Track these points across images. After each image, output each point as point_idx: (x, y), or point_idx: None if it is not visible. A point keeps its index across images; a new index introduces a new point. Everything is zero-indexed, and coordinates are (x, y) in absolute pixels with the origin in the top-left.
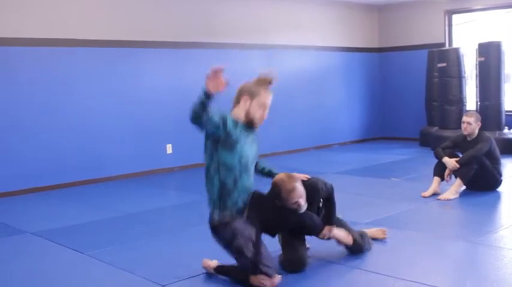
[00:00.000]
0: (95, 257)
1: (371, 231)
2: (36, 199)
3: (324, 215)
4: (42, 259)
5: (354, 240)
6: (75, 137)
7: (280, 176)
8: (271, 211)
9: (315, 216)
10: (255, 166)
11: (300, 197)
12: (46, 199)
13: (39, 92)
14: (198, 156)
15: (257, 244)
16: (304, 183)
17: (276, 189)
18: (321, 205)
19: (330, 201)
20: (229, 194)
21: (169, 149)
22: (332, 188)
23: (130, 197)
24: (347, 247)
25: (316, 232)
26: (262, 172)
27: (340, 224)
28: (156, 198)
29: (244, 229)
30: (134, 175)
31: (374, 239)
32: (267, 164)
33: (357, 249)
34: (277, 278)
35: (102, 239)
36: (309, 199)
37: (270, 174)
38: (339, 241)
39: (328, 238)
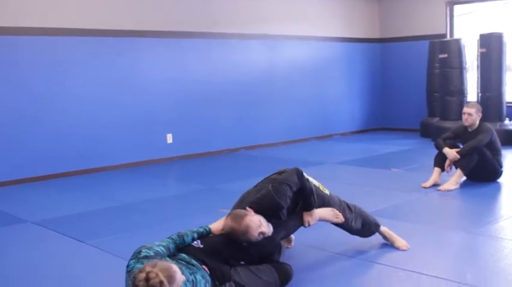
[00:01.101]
0: (96, 246)
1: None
2: (37, 188)
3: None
4: (42, 247)
5: (347, 218)
6: (75, 127)
7: (227, 223)
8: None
9: (287, 224)
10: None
11: (259, 227)
12: (46, 188)
13: (38, 82)
14: (198, 146)
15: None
16: (259, 201)
17: (233, 236)
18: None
19: (301, 186)
20: None
21: (169, 139)
22: (294, 176)
23: (130, 186)
24: (348, 228)
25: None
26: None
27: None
28: (156, 188)
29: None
30: (134, 165)
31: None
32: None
33: (355, 230)
34: None
35: (103, 228)
36: (272, 213)
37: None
38: (330, 222)
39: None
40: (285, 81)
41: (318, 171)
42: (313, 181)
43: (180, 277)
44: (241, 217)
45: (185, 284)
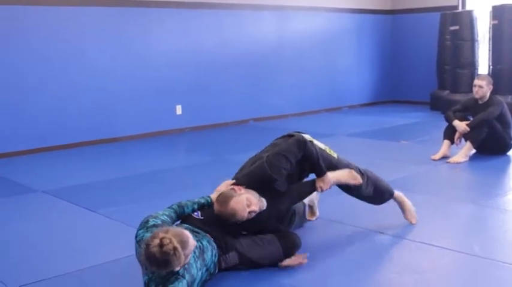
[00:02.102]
0: (107, 215)
1: None
2: (48, 158)
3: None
4: (54, 216)
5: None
6: (85, 97)
7: (215, 207)
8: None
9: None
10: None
11: (248, 207)
12: (57, 158)
13: (49, 52)
14: (208, 117)
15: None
16: (251, 173)
17: (224, 219)
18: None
19: (305, 155)
20: None
21: (178, 110)
22: (293, 147)
23: (140, 157)
24: (358, 194)
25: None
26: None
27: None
28: (166, 158)
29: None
30: (144, 136)
31: None
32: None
33: (365, 196)
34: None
35: (113, 198)
36: (264, 186)
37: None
38: (346, 184)
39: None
40: (295, 52)
41: (327, 143)
42: (319, 144)
43: (192, 242)
44: (226, 201)
45: (193, 252)
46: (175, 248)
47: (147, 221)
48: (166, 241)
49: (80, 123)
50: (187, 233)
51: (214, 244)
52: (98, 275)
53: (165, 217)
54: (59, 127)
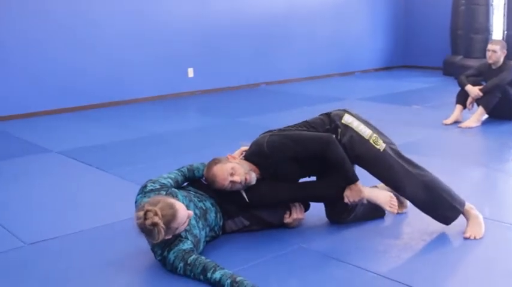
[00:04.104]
0: (118, 175)
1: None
2: (62, 120)
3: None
4: (67, 176)
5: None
6: (98, 61)
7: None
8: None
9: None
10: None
11: (230, 176)
12: (71, 120)
13: (62, 16)
14: (219, 80)
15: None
16: (251, 145)
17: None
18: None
19: (326, 158)
20: None
21: (190, 72)
22: (314, 145)
23: (152, 119)
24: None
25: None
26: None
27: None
28: (178, 120)
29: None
30: (156, 98)
31: None
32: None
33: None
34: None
35: (126, 158)
36: (258, 161)
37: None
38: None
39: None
40: (308, 16)
41: (338, 107)
42: (363, 132)
43: (183, 213)
44: (211, 166)
45: (195, 213)
46: (154, 224)
47: (145, 186)
48: (149, 215)
49: (94, 86)
50: (178, 204)
51: (218, 208)
52: (111, 233)
53: (168, 180)
54: (73, 90)
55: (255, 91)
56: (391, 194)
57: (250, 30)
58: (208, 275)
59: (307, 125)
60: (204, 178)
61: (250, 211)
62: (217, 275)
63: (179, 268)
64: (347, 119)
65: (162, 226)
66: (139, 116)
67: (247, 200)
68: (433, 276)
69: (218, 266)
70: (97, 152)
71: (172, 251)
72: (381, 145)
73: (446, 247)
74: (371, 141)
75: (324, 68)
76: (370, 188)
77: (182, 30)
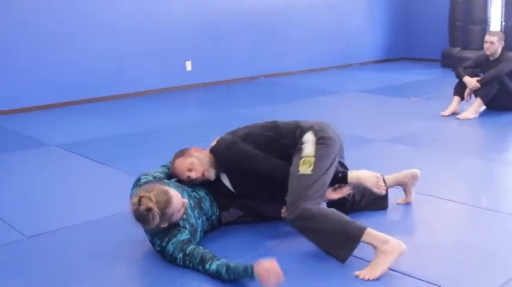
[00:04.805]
0: (117, 168)
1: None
2: (60, 114)
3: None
4: (66, 169)
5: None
6: (96, 54)
7: None
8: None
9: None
10: None
11: (187, 171)
12: (69, 114)
13: (61, 8)
14: (217, 73)
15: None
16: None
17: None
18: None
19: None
20: None
21: (188, 66)
22: (260, 162)
23: (150, 112)
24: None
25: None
26: None
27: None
28: (177, 114)
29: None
30: (154, 92)
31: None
32: None
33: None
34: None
35: (125, 152)
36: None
37: None
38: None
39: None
40: (306, 8)
41: (336, 99)
42: (305, 150)
43: (178, 200)
44: (174, 158)
45: (189, 203)
46: (149, 209)
47: (139, 179)
48: (144, 201)
49: (91, 80)
50: (172, 191)
51: (212, 198)
52: (110, 226)
53: (158, 173)
54: (71, 84)
55: (253, 84)
56: (378, 175)
57: (248, 23)
58: (206, 266)
59: (275, 131)
60: None
61: (241, 202)
62: (213, 266)
63: (178, 259)
64: (306, 137)
65: (157, 211)
66: (138, 110)
67: (233, 191)
68: (425, 264)
69: (215, 256)
70: (96, 145)
71: (171, 242)
72: (305, 170)
73: (440, 236)
74: (301, 160)
75: (323, 61)
76: (356, 171)
77: (180, 23)
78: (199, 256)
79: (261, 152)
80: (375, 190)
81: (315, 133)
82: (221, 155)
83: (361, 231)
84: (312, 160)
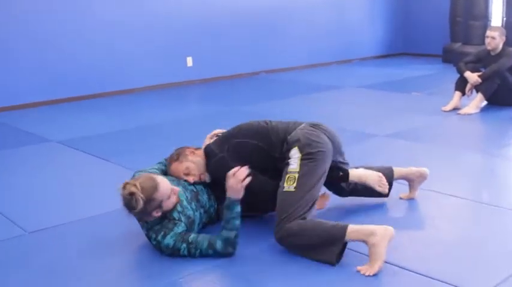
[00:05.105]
0: (118, 163)
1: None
2: (60, 110)
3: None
4: (67, 165)
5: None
6: (97, 50)
7: None
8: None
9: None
10: None
11: (183, 176)
12: (71, 110)
13: (62, 6)
14: (218, 69)
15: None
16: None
17: None
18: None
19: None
20: None
21: (189, 62)
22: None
23: (151, 108)
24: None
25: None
26: None
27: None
28: (177, 109)
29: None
30: (155, 88)
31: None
32: None
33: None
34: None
35: (125, 147)
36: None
37: None
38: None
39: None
40: (306, 4)
41: (337, 94)
42: (291, 167)
43: (165, 186)
44: (170, 162)
45: (183, 194)
46: (132, 193)
47: (133, 176)
48: (127, 186)
49: (92, 76)
50: (160, 178)
51: (210, 191)
52: (111, 221)
53: (154, 170)
54: (71, 80)
55: (254, 79)
56: (380, 174)
57: (249, 19)
58: (217, 246)
59: (266, 141)
60: None
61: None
62: (219, 243)
63: (182, 249)
64: (292, 153)
65: (140, 195)
66: (138, 106)
67: None
68: (426, 259)
69: (218, 236)
70: (97, 141)
71: (169, 236)
72: (289, 187)
73: (441, 231)
74: (286, 176)
75: (323, 56)
76: (359, 170)
77: (180, 19)
78: (205, 240)
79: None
80: (377, 188)
81: (301, 149)
82: (212, 170)
83: (343, 230)
84: (296, 176)
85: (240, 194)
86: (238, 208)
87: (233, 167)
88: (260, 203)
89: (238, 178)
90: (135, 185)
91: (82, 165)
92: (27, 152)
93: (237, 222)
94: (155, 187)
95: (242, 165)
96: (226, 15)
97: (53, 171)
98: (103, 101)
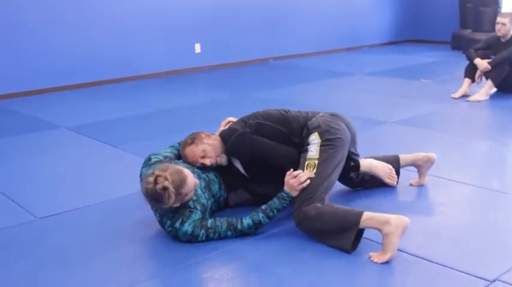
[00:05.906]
0: (127, 150)
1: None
2: (70, 96)
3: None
4: (76, 151)
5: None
6: (105, 37)
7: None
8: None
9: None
10: None
11: (200, 158)
12: (78, 96)
13: None
14: (226, 55)
15: None
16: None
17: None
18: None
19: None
20: None
21: (197, 48)
22: (271, 150)
23: (160, 94)
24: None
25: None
26: None
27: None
28: (186, 96)
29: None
30: (164, 74)
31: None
32: None
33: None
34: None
35: (134, 134)
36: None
37: None
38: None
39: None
40: None
41: (347, 82)
42: (310, 153)
43: (191, 180)
44: (185, 146)
45: (200, 184)
46: (165, 188)
47: (150, 159)
48: (160, 180)
49: (101, 63)
50: (186, 171)
51: (221, 180)
52: (120, 207)
53: (168, 153)
54: (80, 66)
55: (263, 66)
56: (390, 166)
57: (257, 6)
58: (238, 226)
59: (287, 126)
60: None
61: (249, 185)
62: (246, 221)
63: (201, 235)
64: (312, 139)
65: (172, 190)
66: (147, 92)
67: (245, 174)
68: (436, 246)
69: (246, 217)
70: (106, 127)
71: (187, 223)
72: (309, 173)
73: (451, 218)
74: (306, 163)
75: (332, 43)
76: (369, 160)
77: (189, 6)
78: (224, 223)
79: (270, 141)
80: (387, 180)
81: (321, 135)
82: (231, 145)
83: (358, 217)
84: (316, 163)
85: (296, 193)
86: (287, 203)
87: (256, 140)
88: (277, 171)
89: (300, 180)
90: (167, 179)
91: (91, 151)
92: (37, 138)
93: (277, 214)
94: (184, 181)
95: (262, 139)
96: (234, 1)
97: (63, 157)
98: (112, 87)
